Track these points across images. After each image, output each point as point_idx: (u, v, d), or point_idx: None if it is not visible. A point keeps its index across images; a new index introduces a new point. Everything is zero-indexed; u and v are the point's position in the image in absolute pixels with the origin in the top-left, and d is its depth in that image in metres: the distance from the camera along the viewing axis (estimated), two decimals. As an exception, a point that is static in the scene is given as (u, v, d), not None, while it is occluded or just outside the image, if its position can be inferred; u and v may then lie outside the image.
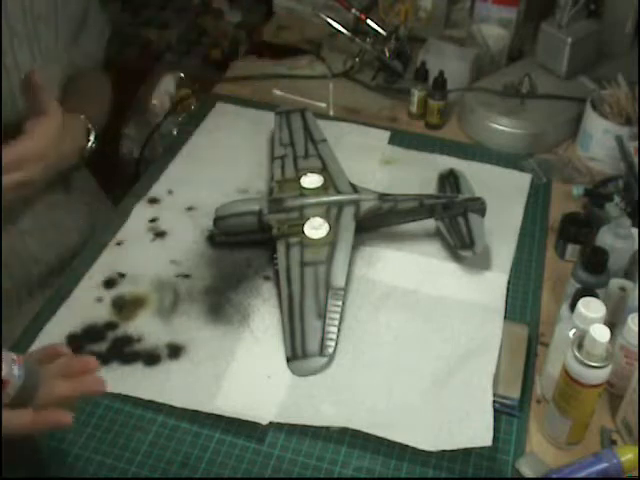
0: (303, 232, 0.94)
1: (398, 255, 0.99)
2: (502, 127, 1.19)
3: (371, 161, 1.16)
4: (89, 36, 0.99)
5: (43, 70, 0.85)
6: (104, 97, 1.05)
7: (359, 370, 0.84)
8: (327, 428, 0.79)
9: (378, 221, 1.00)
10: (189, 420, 0.79)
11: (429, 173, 1.09)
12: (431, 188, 1.06)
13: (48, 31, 0.87)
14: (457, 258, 0.98)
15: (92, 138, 0.95)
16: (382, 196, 0.98)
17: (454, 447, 0.75)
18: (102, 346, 0.86)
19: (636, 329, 0.77)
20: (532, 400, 0.83)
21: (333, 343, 0.85)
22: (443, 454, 0.76)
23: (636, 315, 0.78)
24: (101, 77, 1.06)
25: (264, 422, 0.78)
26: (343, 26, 1.32)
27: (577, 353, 0.71)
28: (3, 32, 0.81)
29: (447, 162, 1.13)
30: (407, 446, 0.76)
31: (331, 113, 1.28)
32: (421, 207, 0.98)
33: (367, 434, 0.77)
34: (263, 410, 0.79)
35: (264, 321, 0.89)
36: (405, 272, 0.96)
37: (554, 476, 0.73)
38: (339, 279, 0.90)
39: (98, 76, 1.06)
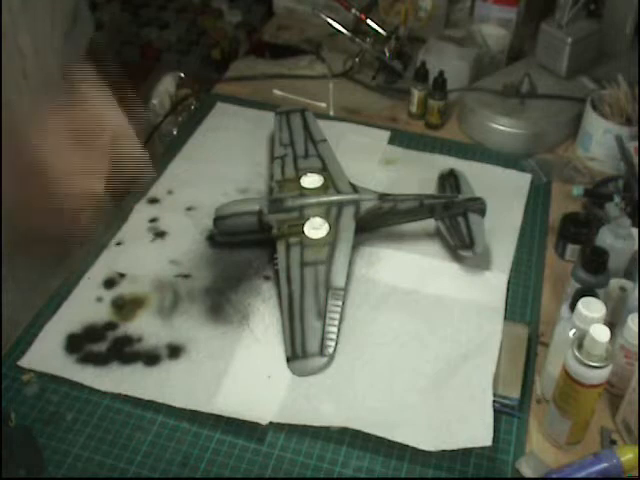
0: (303, 232, 0.94)
1: (398, 255, 0.99)
2: (502, 127, 1.19)
3: (371, 161, 1.16)
4: (80, 30, 1.00)
5: (45, 58, 0.86)
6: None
7: (359, 370, 0.84)
8: (327, 428, 0.79)
9: (378, 221, 1.00)
10: (189, 420, 0.79)
11: (429, 173, 1.09)
12: (431, 188, 1.06)
13: (45, 20, 0.87)
14: (457, 258, 0.98)
15: None
16: (382, 196, 0.98)
17: (454, 447, 0.75)
18: (102, 346, 0.86)
19: (636, 329, 0.77)
20: (532, 400, 0.83)
21: (333, 343, 0.85)
22: (443, 454, 0.76)
23: (636, 315, 0.78)
24: (88, 67, 1.06)
25: (264, 422, 0.78)
26: (343, 26, 1.32)
27: (577, 353, 0.71)
28: (5, 17, 0.82)
29: (447, 162, 1.13)
30: (407, 446, 0.76)
31: (331, 113, 1.28)
32: (421, 207, 0.98)
33: (367, 434, 0.77)
34: (263, 410, 0.79)
35: (264, 321, 0.89)
36: (405, 272, 0.96)
37: (554, 476, 0.73)
38: (339, 279, 0.90)
39: (86, 67, 1.06)
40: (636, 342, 0.77)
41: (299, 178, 1.02)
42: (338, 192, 1.00)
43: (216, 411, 0.79)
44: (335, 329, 0.86)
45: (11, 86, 0.84)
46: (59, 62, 0.93)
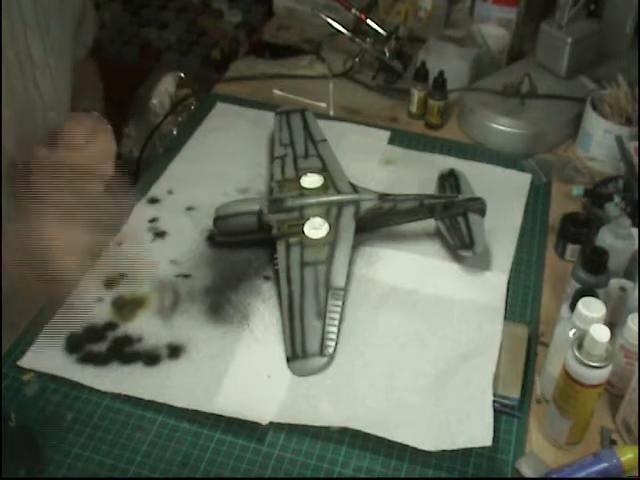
0: (303, 232, 0.94)
1: (398, 255, 0.99)
2: (502, 127, 1.19)
3: (371, 161, 1.16)
4: (86, 30, 1.00)
5: (55, 64, 0.86)
6: (99, 84, 1.06)
7: (359, 370, 0.84)
8: (327, 428, 0.79)
9: (378, 221, 1.00)
10: (189, 420, 0.79)
11: (429, 173, 1.09)
12: (431, 188, 1.06)
13: (56, 24, 0.88)
14: (457, 258, 0.98)
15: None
16: (382, 196, 0.98)
17: (454, 447, 0.75)
18: (102, 346, 0.86)
19: (636, 329, 0.77)
20: (532, 400, 0.83)
21: (333, 343, 0.85)
22: (443, 454, 0.76)
23: (636, 315, 0.78)
24: (92, 65, 1.07)
25: (264, 422, 0.78)
26: (343, 26, 1.32)
27: (577, 353, 0.71)
28: (17, 25, 0.82)
29: (447, 162, 1.13)
30: (407, 446, 0.76)
31: (331, 113, 1.28)
32: (421, 207, 0.98)
33: (367, 434, 0.77)
34: (263, 410, 0.79)
35: (264, 321, 0.89)
36: (405, 272, 0.96)
37: (554, 476, 0.73)
38: (339, 279, 0.90)
39: (90, 65, 1.06)
40: (636, 342, 0.77)
41: (299, 178, 1.02)
42: (338, 192, 1.00)
43: (216, 411, 0.79)
44: (335, 329, 0.86)
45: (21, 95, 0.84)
46: (69, 66, 0.93)
